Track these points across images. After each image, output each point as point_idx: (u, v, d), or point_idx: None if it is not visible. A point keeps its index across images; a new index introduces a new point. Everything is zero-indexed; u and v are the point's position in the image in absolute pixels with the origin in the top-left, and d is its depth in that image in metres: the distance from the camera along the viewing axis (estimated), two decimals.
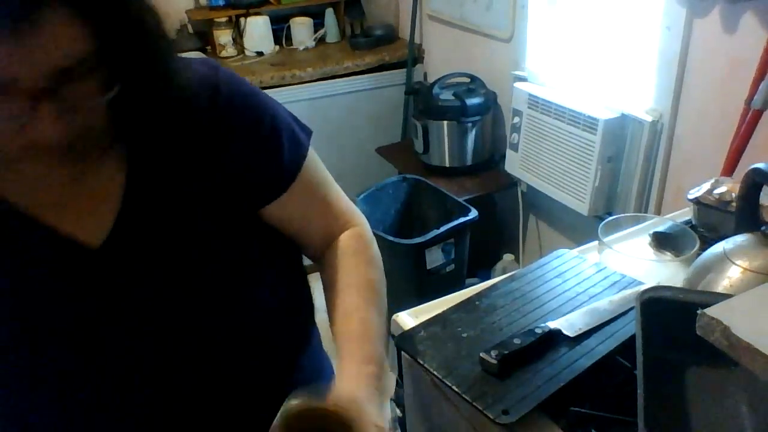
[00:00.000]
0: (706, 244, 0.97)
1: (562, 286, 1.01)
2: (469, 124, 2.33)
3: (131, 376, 0.75)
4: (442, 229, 2.03)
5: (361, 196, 2.22)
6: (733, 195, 1.05)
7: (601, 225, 1.09)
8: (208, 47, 2.92)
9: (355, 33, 3.04)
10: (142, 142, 0.71)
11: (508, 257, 2.45)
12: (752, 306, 0.67)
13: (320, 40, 3.00)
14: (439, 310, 0.97)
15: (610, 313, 0.91)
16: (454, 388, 0.82)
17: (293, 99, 2.59)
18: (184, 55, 0.75)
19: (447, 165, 2.42)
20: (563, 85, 2.07)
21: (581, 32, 2.03)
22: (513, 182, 2.35)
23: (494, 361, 0.82)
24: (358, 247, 0.87)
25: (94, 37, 0.57)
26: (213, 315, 0.77)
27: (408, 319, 0.99)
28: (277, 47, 2.94)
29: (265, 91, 0.91)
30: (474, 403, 0.79)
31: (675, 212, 1.29)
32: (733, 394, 0.73)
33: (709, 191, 1.11)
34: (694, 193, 1.14)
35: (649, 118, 1.76)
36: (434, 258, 2.08)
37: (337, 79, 2.73)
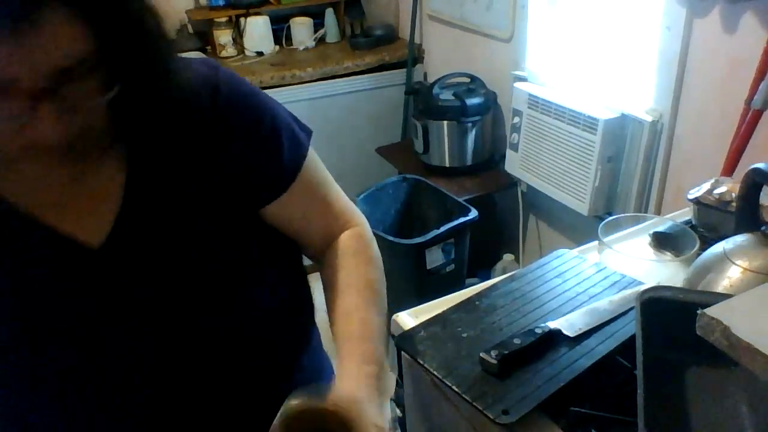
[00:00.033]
0: (706, 244, 0.97)
1: (562, 286, 1.01)
2: (469, 124, 2.33)
3: (131, 376, 0.75)
4: (442, 229, 2.03)
5: (361, 196, 2.22)
6: (733, 195, 1.05)
7: (601, 225, 1.09)
8: (208, 47, 2.92)
9: (355, 33, 3.04)
10: (142, 142, 0.70)
11: (508, 257, 2.45)
12: (752, 306, 0.67)
13: (320, 40, 3.00)
14: (439, 310, 0.97)
15: (610, 313, 0.91)
16: (454, 388, 0.82)
17: (293, 99, 2.59)
18: (184, 55, 0.75)
19: (447, 165, 2.42)
20: (563, 85, 2.07)
21: (581, 32, 2.03)
22: (513, 182, 2.35)
23: (494, 361, 0.82)
24: (358, 247, 0.86)
25: (94, 37, 0.57)
26: (213, 315, 0.77)
27: (408, 319, 0.99)
28: (277, 47, 2.94)
29: (265, 91, 0.92)
30: (474, 403, 0.79)
31: (675, 212, 1.29)
32: (733, 394, 0.73)
33: (709, 191, 1.11)
34: (694, 193, 1.14)
35: (649, 118, 1.76)
36: (434, 258, 2.08)
37: (337, 79, 2.72)
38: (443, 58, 2.74)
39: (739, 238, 0.88)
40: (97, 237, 0.71)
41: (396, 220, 2.34)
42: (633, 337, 0.78)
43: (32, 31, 0.52)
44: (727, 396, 0.74)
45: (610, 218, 1.12)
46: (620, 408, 0.77)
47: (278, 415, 0.64)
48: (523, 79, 2.21)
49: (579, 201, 1.99)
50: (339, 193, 0.88)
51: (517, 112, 2.17)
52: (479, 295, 1.00)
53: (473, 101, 2.31)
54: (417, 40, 2.82)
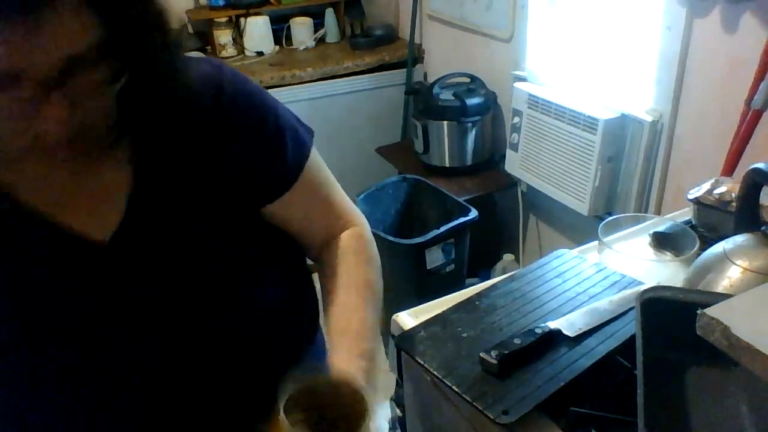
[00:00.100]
0: (706, 244, 0.97)
1: (562, 286, 1.01)
2: (469, 124, 2.33)
3: (132, 375, 0.75)
4: (442, 229, 2.03)
5: (361, 196, 2.22)
6: (733, 195, 1.05)
7: (601, 225, 1.09)
8: (208, 47, 2.92)
9: (355, 33, 3.04)
10: (147, 140, 0.71)
11: (508, 257, 2.45)
12: (752, 306, 0.67)
13: (320, 40, 3.00)
14: (439, 310, 0.97)
15: (610, 313, 0.91)
16: (454, 388, 0.82)
17: (293, 99, 2.59)
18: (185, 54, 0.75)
19: (447, 165, 2.42)
20: (563, 85, 2.07)
21: (581, 32, 2.03)
22: (513, 182, 2.35)
23: (494, 361, 0.82)
24: (357, 247, 0.87)
25: (102, 26, 0.57)
26: (215, 314, 0.77)
27: (408, 319, 0.99)
28: (277, 47, 2.94)
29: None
30: (474, 403, 0.79)
31: (675, 212, 1.29)
32: (733, 394, 0.73)
33: (709, 191, 1.11)
34: (694, 193, 1.14)
35: (649, 118, 1.76)
36: (434, 258, 2.08)
37: (337, 79, 2.73)
38: (443, 58, 2.74)
39: (739, 238, 0.88)
40: (103, 234, 0.71)
41: (396, 220, 2.34)
42: (633, 337, 0.78)
43: (43, 20, 0.52)
44: (727, 396, 0.74)
45: (610, 218, 1.12)
46: (620, 408, 0.77)
47: (280, 397, 0.63)
48: (523, 79, 2.21)
49: (579, 201, 1.99)
50: (341, 193, 0.88)
51: (517, 112, 2.17)
52: (479, 295, 1.00)
53: (473, 101, 2.31)
54: (417, 40, 2.82)
